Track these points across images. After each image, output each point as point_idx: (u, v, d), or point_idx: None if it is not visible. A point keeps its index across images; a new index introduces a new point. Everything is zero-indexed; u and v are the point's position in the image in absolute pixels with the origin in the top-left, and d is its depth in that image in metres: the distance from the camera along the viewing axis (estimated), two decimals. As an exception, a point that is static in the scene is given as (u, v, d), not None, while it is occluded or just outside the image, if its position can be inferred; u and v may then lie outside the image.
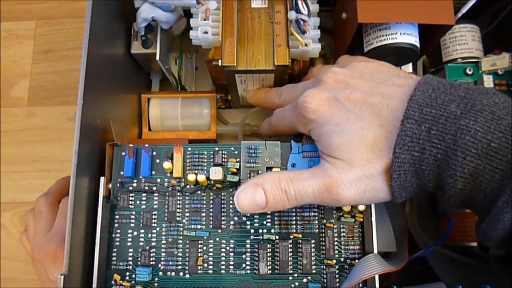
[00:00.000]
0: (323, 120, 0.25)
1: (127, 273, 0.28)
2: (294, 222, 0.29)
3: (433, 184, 0.23)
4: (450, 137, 0.21)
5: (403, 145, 0.22)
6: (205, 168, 0.29)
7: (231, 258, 0.28)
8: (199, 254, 0.28)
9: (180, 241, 0.29)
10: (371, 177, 0.23)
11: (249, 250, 0.28)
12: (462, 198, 0.23)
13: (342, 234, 0.28)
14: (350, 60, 0.29)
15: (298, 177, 0.25)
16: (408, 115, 0.22)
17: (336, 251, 0.28)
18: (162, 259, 0.29)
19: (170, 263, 0.29)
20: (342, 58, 0.31)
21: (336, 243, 0.28)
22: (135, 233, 0.29)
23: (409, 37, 0.31)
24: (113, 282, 0.28)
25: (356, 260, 0.28)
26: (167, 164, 0.29)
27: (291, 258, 0.28)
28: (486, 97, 0.21)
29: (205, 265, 0.28)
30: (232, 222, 0.29)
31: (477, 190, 0.22)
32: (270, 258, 0.28)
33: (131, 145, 0.30)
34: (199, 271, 0.28)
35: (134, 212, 0.29)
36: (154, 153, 0.30)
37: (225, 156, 0.29)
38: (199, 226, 0.29)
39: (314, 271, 0.28)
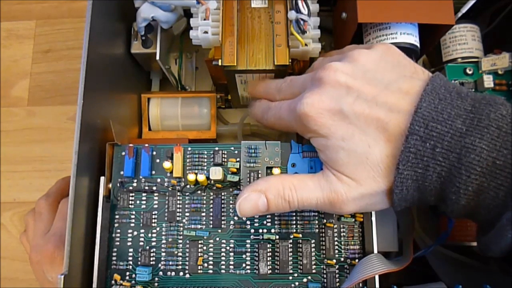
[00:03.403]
0: (326, 133, 0.23)
1: (127, 273, 0.28)
2: (294, 222, 0.29)
3: (435, 199, 0.23)
4: (455, 156, 0.21)
5: (407, 162, 0.21)
6: (205, 168, 0.29)
7: (231, 258, 0.28)
8: (199, 254, 0.28)
9: (180, 241, 0.29)
10: (375, 194, 0.23)
11: (249, 250, 0.28)
12: (465, 213, 0.22)
13: (342, 234, 0.28)
14: (354, 47, 0.27)
15: (303, 187, 0.24)
16: (413, 131, 0.21)
17: (336, 251, 0.28)
18: (162, 259, 0.29)
19: (170, 263, 0.29)
20: (346, 48, 0.29)
21: (336, 243, 0.28)
22: (135, 233, 0.29)
23: (409, 37, 0.31)
24: (113, 282, 0.28)
25: (356, 260, 0.28)
26: (167, 164, 0.29)
27: (291, 258, 0.28)
28: (493, 109, 0.21)
29: (205, 265, 0.28)
30: (232, 222, 0.29)
31: (480, 206, 0.21)
32: (270, 258, 0.28)
33: (131, 145, 0.30)
34: (199, 271, 0.28)
35: (134, 212, 0.29)
36: (154, 153, 0.30)
37: (225, 156, 0.29)
38: (199, 226, 0.29)
39: (314, 271, 0.28)
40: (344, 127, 0.23)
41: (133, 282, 0.28)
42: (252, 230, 0.29)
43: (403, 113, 0.22)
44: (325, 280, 0.28)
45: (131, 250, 0.29)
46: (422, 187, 0.22)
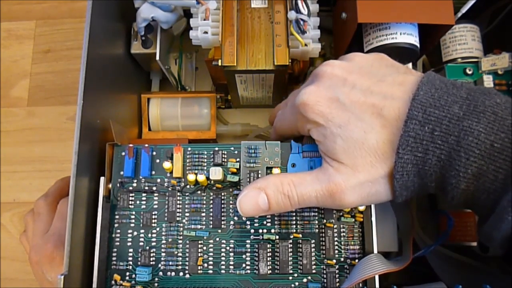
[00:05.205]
0: (324, 121, 0.24)
1: (127, 273, 0.28)
2: (294, 222, 0.29)
3: (435, 185, 0.23)
4: (454, 138, 0.21)
5: (407, 146, 0.22)
6: (205, 168, 0.29)
7: (231, 258, 0.28)
8: (199, 254, 0.28)
9: (180, 241, 0.29)
10: (374, 182, 0.23)
11: (249, 250, 0.28)
12: (465, 199, 0.23)
13: (342, 234, 0.28)
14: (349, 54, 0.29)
15: (301, 182, 0.25)
16: (412, 116, 0.22)
17: (336, 251, 0.28)
18: (162, 259, 0.29)
19: (170, 263, 0.29)
20: (342, 56, 0.31)
21: (336, 243, 0.28)
22: (135, 233, 0.29)
23: (409, 37, 0.31)
24: (113, 282, 0.28)
25: (356, 260, 0.28)
26: (167, 164, 0.29)
27: (291, 258, 0.28)
28: (488, 97, 0.21)
29: (205, 265, 0.28)
30: (232, 222, 0.29)
31: (480, 190, 0.22)
32: (270, 258, 0.28)
33: (131, 145, 0.30)
34: (199, 271, 0.28)
35: (134, 212, 0.29)
36: (154, 153, 0.30)
37: (225, 156, 0.29)
38: (199, 226, 0.29)
39: (314, 271, 0.28)
40: (340, 115, 0.24)
41: (133, 282, 0.28)
42: (252, 230, 0.29)
43: (397, 100, 0.23)
44: (325, 280, 0.28)
45: (131, 250, 0.29)
46: (422, 172, 0.22)
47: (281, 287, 0.28)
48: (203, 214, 0.29)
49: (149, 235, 0.29)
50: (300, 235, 0.28)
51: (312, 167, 0.28)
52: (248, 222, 0.29)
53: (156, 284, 0.28)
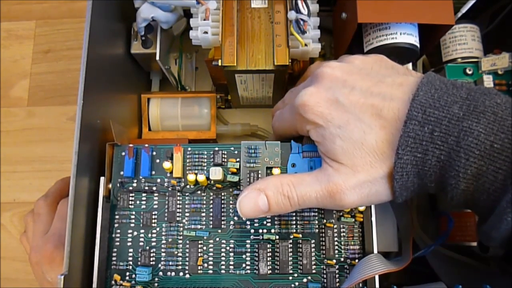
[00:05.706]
0: (323, 121, 0.24)
1: (127, 273, 0.28)
2: (294, 222, 0.29)
3: (435, 185, 0.23)
4: (453, 139, 0.21)
5: (406, 146, 0.22)
6: (205, 168, 0.29)
7: (231, 258, 0.28)
8: (199, 254, 0.28)
9: (180, 241, 0.29)
10: (374, 182, 0.23)
11: (249, 250, 0.28)
12: (464, 199, 0.23)
13: (342, 234, 0.28)
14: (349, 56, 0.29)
15: (301, 182, 0.25)
16: (411, 116, 0.22)
17: (336, 251, 0.28)
18: (162, 259, 0.29)
19: (170, 263, 0.29)
20: (342, 56, 0.31)
21: (336, 243, 0.28)
22: (135, 233, 0.29)
23: (409, 37, 0.31)
24: (113, 282, 0.28)
25: (356, 260, 0.28)
26: (167, 164, 0.29)
27: (291, 258, 0.28)
28: (488, 98, 0.21)
29: (205, 265, 0.28)
30: (232, 222, 0.29)
31: (480, 191, 0.22)
32: (270, 258, 0.28)
33: (131, 145, 0.30)
34: (199, 271, 0.28)
35: (134, 212, 0.29)
36: (154, 153, 0.30)
37: (225, 156, 0.29)
38: (199, 226, 0.29)
39: (314, 271, 0.28)
40: (340, 115, 0.24)
41: (133, 282, 0.28)
42: (252, 230, 0.29)
43: (397, 100, 0.23)
44: (325, 280, 0.28)
45: (131, 250, 0.29)
46: (422, 172, 0.22)
47: (281, 287, 0.28)
48: (203, 214, 0.29)
49: (149, 235, 0.29)
50: (300, 235, 0.28)
51: (312, 167, 0.28)
52: (248, 222, 0.29)
53: (156, 284, 0.28)
